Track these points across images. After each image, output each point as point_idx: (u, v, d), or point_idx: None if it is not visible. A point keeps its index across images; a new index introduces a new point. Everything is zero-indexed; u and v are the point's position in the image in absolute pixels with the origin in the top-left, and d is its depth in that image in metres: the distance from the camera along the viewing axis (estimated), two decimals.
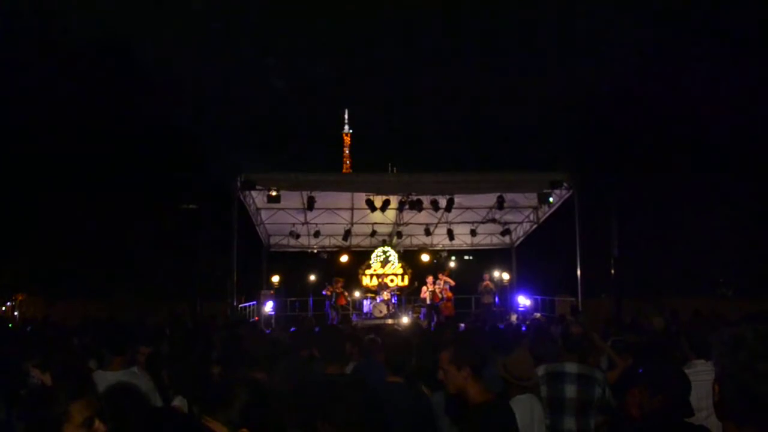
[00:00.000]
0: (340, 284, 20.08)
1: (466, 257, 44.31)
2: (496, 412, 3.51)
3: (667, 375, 3.19)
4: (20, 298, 26.34)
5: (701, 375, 4.29)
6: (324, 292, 20.35)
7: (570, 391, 4.67)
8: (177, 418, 3.75)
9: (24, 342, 6.07)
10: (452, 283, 19.84)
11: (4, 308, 26.07)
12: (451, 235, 21.31)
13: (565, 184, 17.18)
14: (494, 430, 3.44)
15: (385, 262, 22.37)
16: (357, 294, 22.08)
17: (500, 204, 18.07)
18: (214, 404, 2.41)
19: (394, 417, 3.55)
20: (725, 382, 1.74)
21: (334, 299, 19.77)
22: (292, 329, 10.32)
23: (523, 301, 21.07)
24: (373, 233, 21.63)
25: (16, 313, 24.47)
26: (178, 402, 4.48)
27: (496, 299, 20.50)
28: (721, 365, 1.76)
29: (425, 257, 22.97)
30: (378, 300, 20.26)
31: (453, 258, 33.25)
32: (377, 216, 19.09)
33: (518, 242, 23.33)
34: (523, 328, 10.84)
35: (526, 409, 4.10)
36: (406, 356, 4.48)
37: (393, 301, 20.44)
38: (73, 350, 6.90)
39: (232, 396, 2.41)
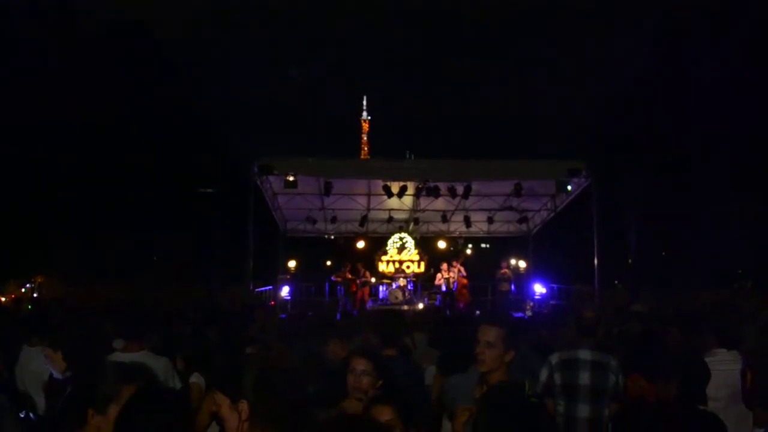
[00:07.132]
0: (348, 270, 20.03)
1: (483, 245, 44.17)
2: None
3: (685, 362, 3.14)
4: (39, 280, 26.62)
5: (721, 365, 4.18)
6: (333, 278, 20.36)
7: (584, 378, 4.62)
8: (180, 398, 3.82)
9: (37, 321, 6.10)
10: (464, 272, 19.79)
11: (23, 290, 26.36)
12: (468, 222, 21.23)
13: (583, 173, 17.02)
14: None
15: (401, 248, 22.28)
16: (373, 280, 22.06)
17: (518, 191, 17.87)
18: (223, 379, 2.47)
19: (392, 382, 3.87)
20: (760, 368, 1.70)
21: (345, 285, 19.78)
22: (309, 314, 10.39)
23: (539, 289, 20.93)
24: (390, 219, 21.54)
25: (35, 295, 24.71)
26: (195, 379, 4.55)
27: (513, 287, 20.44)
28: (755, 352, 1.72)
29: (442, 244, 22.88)
30: (394, 286, 20.24)
31: (470, 245, 33.07)
32: (394, 202, 19.05)
33: (535, 230, 23.16)
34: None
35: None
36: (398, 331, 5.14)
37: (409, 287, 20.43)
38: (90, 332, 6.96)
39: (240, 372, 2.46)
